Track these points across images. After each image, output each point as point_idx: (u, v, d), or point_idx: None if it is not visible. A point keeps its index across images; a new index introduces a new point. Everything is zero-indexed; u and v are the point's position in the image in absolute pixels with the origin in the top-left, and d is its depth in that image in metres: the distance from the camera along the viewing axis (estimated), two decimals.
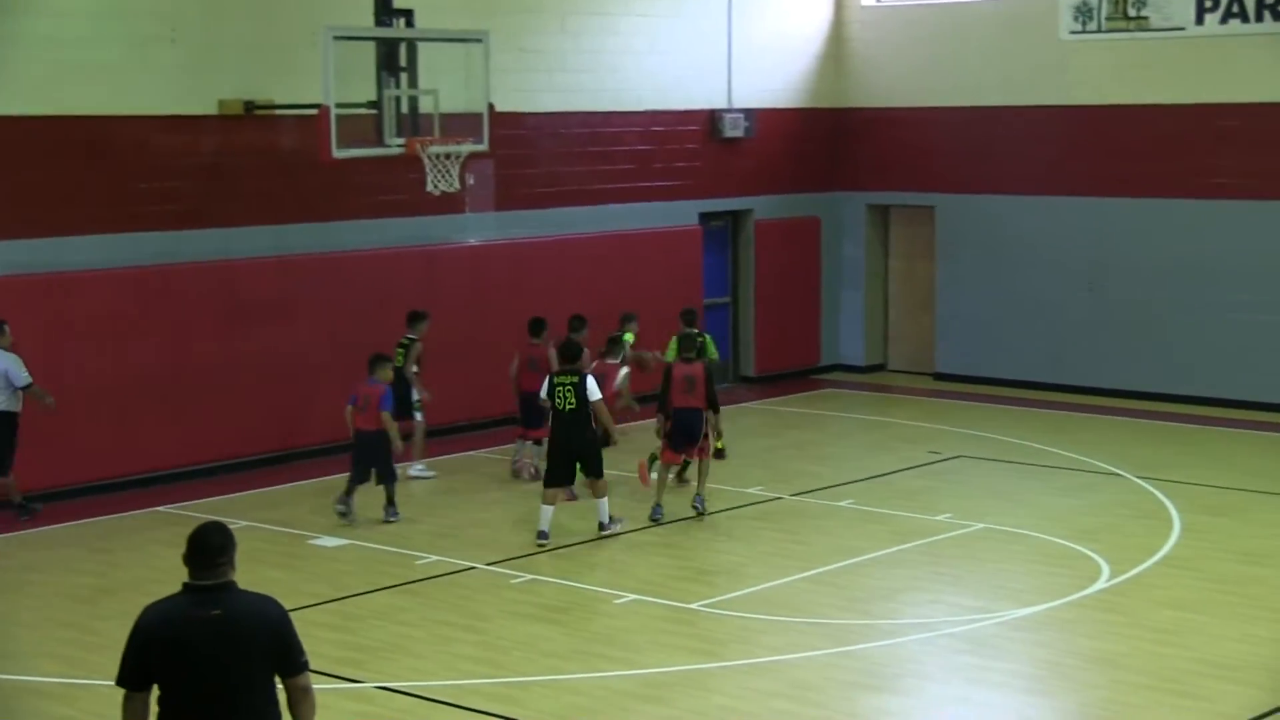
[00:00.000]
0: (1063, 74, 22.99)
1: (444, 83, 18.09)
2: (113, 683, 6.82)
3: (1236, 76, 21.65)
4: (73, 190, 17.29)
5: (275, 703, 6.83)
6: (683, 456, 16.69)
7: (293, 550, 15.21)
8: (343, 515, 15.95)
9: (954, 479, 18.05)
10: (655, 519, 16.03)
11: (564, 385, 15.36)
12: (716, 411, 16.45)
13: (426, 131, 17.91)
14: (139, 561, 14.75)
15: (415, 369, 17.84)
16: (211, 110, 18.15)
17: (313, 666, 7.03)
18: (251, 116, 18.33)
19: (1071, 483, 17.79)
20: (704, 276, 23.36)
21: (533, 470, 17.89)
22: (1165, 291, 22.34)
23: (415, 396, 17.79)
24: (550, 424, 15.65)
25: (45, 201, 17.13)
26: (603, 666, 11.80)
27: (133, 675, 6.75)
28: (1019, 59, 23.39)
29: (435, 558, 14.79)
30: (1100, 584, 13.85)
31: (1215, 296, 21.93)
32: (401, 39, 17.87)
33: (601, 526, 15.58)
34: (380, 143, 17.67)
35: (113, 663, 6.87)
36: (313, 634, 11.46)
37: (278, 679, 6.84)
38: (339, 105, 17.05)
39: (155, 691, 6.77)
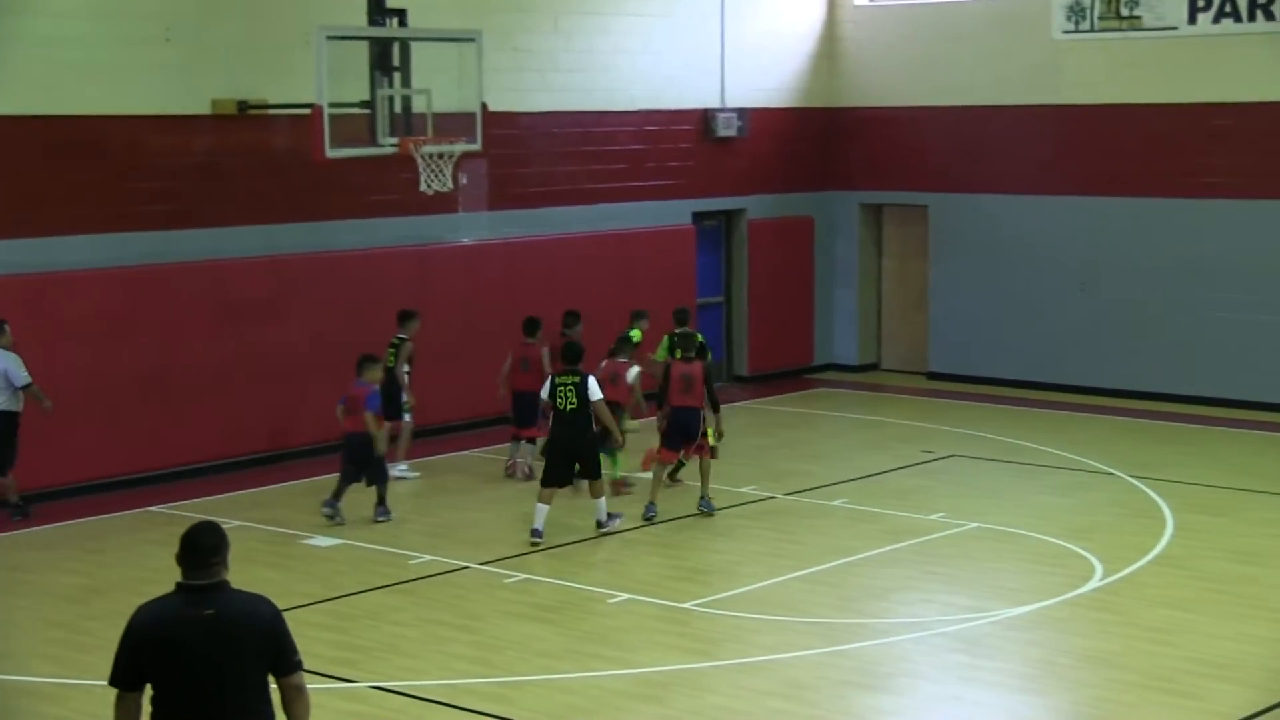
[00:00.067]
0: (1056, 73, 23.00)
1: (437, 82, 18.08)
2: (105, 683, 6.81)
3: (1229, 76, 21.67)
4: (65, 189, 17.26)
5: (269, 703, 6.82)
6: (678, 456, 16.69)
7: (286, 550, 15.19)
8: (329, 519, 15.91)
9: (947, 478, 18.06)
10: (648, 518, 16.02)
11: (565, 386, 15.38)
12: (717, 411, 16.46)
13: (420, 131, 17.89)
14: (131, 561, 14.73)
15: (407, 369, 17.83)
16: (205, 110, 18.14)
17: (306, 666, 7.02)
18: (245, 116, 18.32)
19: (1064, 482, 17.81)
20: (697, 276, 23.36)
21: (526, 470, 17.89)
22: (1158, 291, 22.36)
23: (405, 397, 17.77)
24: (551, 424, 15.64)
25: (37, 201, 17.10)
26: (596, 666, 11.80)
27: (125, 675, 6.74)
28: (1012, 58, 23.40)
29: (429, 557, 14.78)
30: (1093, 583, 13.86)
31: (1208, 296, 21.95)
32: (395, 39, 17.86)
33: (599, 525, 15.59)
34: (373, 142, 17.65)
35: (105, 663, 6.85)
36: (306, 634, 11.45)
37: (271, 679, 6.84)
38: (332, 105, 17.02)
39: (148, 692, 6.77)
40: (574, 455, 15.39)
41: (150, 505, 16.80)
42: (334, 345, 18.50)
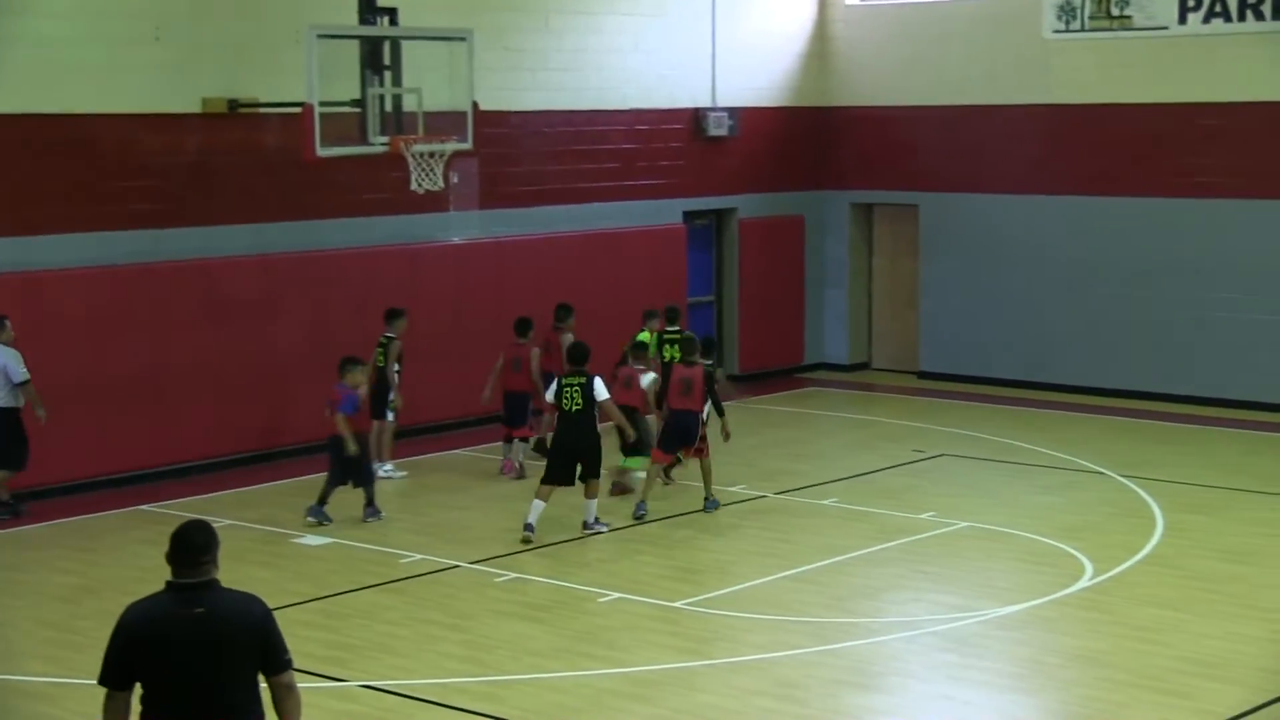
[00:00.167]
0: (1046, 73, 23.03)
1: (428, 81, 18.07)
2: (95, 682, 6.81)
3: (1219, 76, 21.70)
4: (55, 188, 17.25)
5: (259, 701, 6.82)
6: (672, 458, 16.70)
7: (276, 549, 15.18)
8: (315, 524, 15.85)
9: (937, 477, 18.08)
10: (638, 517, 16.03)
11: (571, 386, 15.41)
12: (721, 414, 16.48)
13: (410, 130, 17.89)
14: (121, 561, 14.71)
15: (396, 368, 17.81)
16: (195, 109, 18.12)
17: (297, 665, 7.02)
18: (235, 115, 18.30)
19: (1054, 481, 17.83)
20: (688, 275, 23.37)
21: (517, 466, 17.91)
22: (1148, 290, 22.39)
23: (391, 396, 17.76)
24: (556, 424, 15.66)
25: (27, 199, 17.09)
26: (587, 665, 11.80)
27: (115, 674, 6.73)
28: (1003, 58, 23.42)
29: (419, 556, 14.77)
30: (1083, 582, 13.88)
31: (1198, 295, 21.98)
32: (385, 37, 17.85)
33: (585, 525, 15.60)
34: (364, 141, 17.65)
35: (95, 662, 6.85)
36: (297, 633, 11.45)
37: (262, 677, 6.83)
38: (323, 104, 17.02)
39: (138, 690, 6.76)
40: (577, 455, 15.41)
41: (141, 504, 16.78)
42: (324, 344, 18.48)
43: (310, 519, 15.84)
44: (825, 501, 16.89)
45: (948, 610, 13.12)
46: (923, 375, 24.57)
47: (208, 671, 6.65)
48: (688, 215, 23.68)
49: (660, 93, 22.99)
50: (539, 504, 15.29)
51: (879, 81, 24.66)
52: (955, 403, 22.67)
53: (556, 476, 15.42)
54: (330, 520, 15.83)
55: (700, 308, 23.96)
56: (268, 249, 18.77)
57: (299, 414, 18.53)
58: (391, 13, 17.97)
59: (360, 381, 16.29)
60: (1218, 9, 21.27)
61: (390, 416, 17.87)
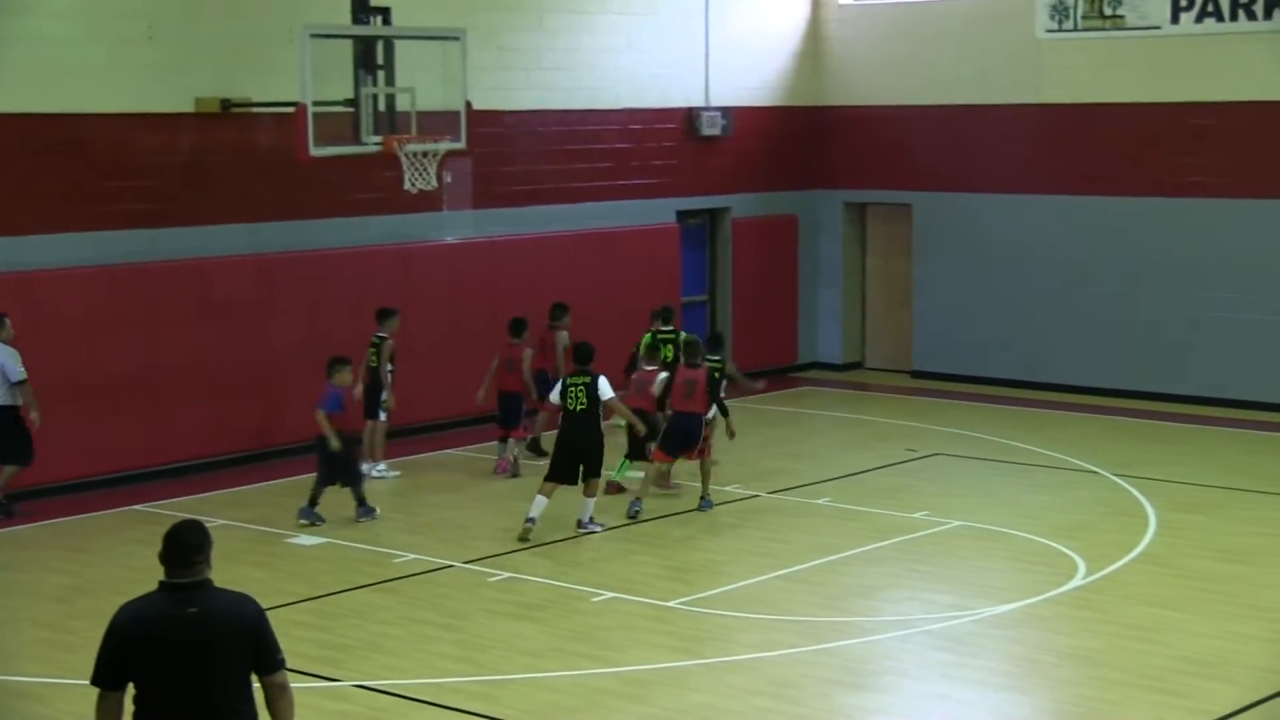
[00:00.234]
0: (1039, 73, 23.04)
1: (421, 81, 18.06)
2: (87, 682, 6.79)
3: (1212, 75, 21.72)
4: (48, 188, 17.22)
5: (251, 701, 6.82)
6: (674, 459, 16.70)
7: (269, 549, 15.17)
8: (308, 525, 15.82)
9: (931, 476, 18.08)
10: (632, 514, 16.02)
11: (576, 386, 15.46)
12: (726, 414, 16.54)
13: (404, 129, 17.87)
14: (114, 561, 14.69)
15: (390, 368, 17.80)
16: (188, 108, 18.09)
17: (290, 665, 7.02)
18: (228, 115, 18.28)
19: (1048, 480, 17.84)
20: (682, 274, 23.37)
21: (511, 461, 17.91)
22: (1141, 289, 22.41)
23: (384, 396, 17.75)
24: (560, 423, 15.68)
25: (20, 199, 17.06)
26: (581, 664, 11.80)
27: (107, 674, 6.72)
28: (995, 57, 23.44)
29: (413, 556, 14.76)
30: (1077, 581, 13.89)
31: (1191, 294, 22.00)
32: (379, 37, 17.84)
33: (579, 524, 15.59)
34: (357, 141, 17.63)
35: (88, 662, 6.83)
36: (290, 633, 11.45)
37: (254, 677, 6.83)
38: (316, 103, 17.00)
39: (131, 690, 6.75)
40: (580, 455, 15.42)
41: (134, 504, 16.76)
42: (318, 344, 18.42)
43: (302, 521, 15.82)
44: (819, 501, 16.89)
45: (942, 609, 13.13)
46: (916, 375, 24.58)
47: (200, 671, 6.65)
48: (681, 215, 23.68)
49: (653, 92, 22.98)
50: (541, 499, 15.33)
51: (872, 81, 24.67)
52: (949, 402, 22.68)
53: (560, 475, 15.46)
54: (323, 520, 15.82)
55: (694, 307, 23.97)
56: (262, 249, 18.75)
57: (293, 414, 18.50)
58: (385, 12, 17.95)
59: (348, 381, 16.27)
60: (1210, 9, 21.29)
61: (383, 416, 17.86)
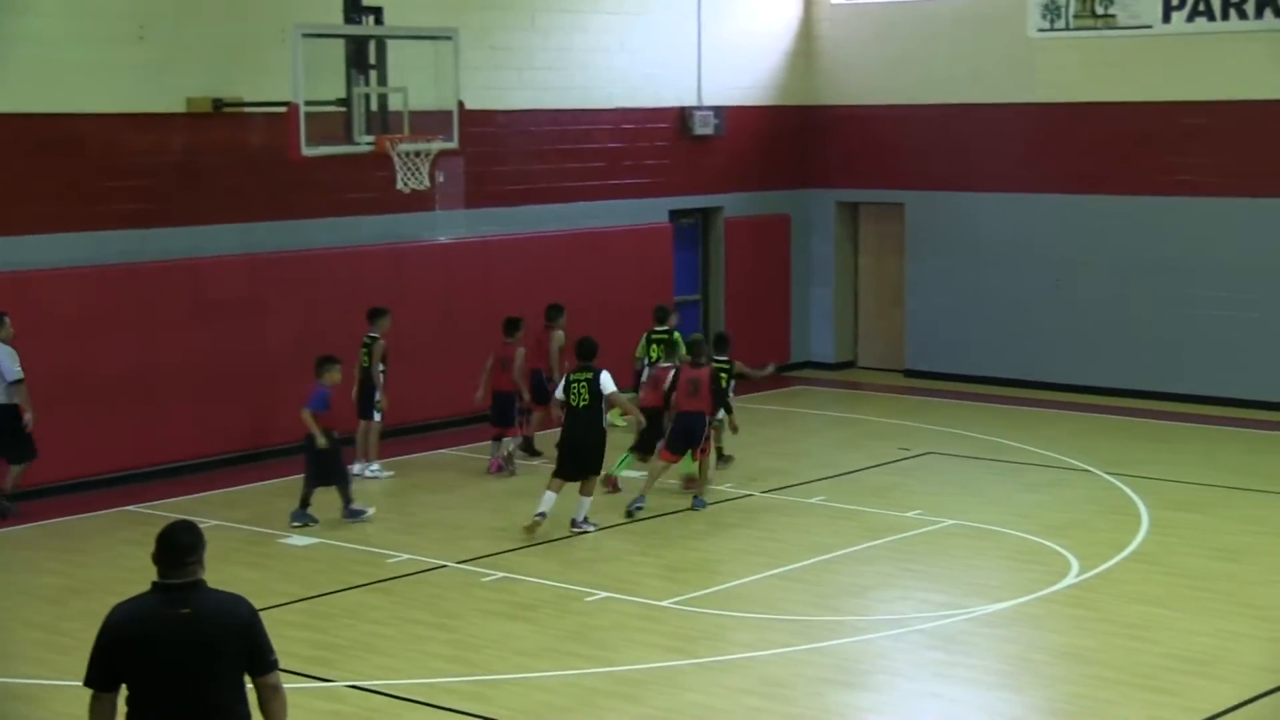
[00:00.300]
0: (1031, 72, 23.06)
1: (413, 80, 18.06)
2: (81, 683, 6.79)
3: (1203, 74, 21.75)
4: (41, 188, 17.20)
5: (245, 702, 6.81)
6: (679, 459, 16.71)
7: (262, 549, 15.16)
8: (301, 527, 15.80)
9: (924, 475, 18.09)
10: (632, 511, 16.01)
11: (579, 382, 15.50)
12: (730, 412, 16.61)
13: (396, 129, 17.87)
14: (107, 561, 14.67)
15: (382, 368, 17.79)
16: (180, 108, 18.08)
17: (283, 666, 7.02)
18: (220, 114, 18.26)
19: (1040, 479, 17.85)
20: (674, 274, 23.37)
21: (504, 457, 17.92)
22: (1134, 288, 22.44)
23: (377, 396, 17.74)
24: (564, 420, 15.71)
25: (12, 200, 17.03)
26: (574, 664, 11.80)
27: (101, 675, 6.72)
28: (988, 57, 23.45)
29: (406, 556, 14.76)
30: (1069, 579, 13.90)
31: (1183, 293, 22.03)
32: (371, 36, 17.84)
33: (574, 523, 15.59)
34: (349, 140, 17.63)
35: (82, 663, 6.83)
36: (283, 633, 11.44)
37: (248, 678, 6.82)
38: (308, 103, 17.00)
39: (124, 692, 6.75)
40: (582, 451, 15.44)
41: (127, 505, 16.74)
42: (311, 344, 18.40)
43: (295, 523, 15.79)
44: (812, 500, 16.90)
45: (935, 608, 13.14)
46: (909, 374, 24.60)
47: (194, 672, 6.64)
48: (674, 214, 23.68)
49: (646, 92, 22.98)
50: (550, 495, 15.41)
51: (864, 80, 24.68)
52: (941, 401, 22.69)
53: (566, 472, 15.50)
54: (316, 521, 15.80)
55: (686, 306, 23.94)
56: (254, 249, 18.73)
57: (286, 414, 18.41)
58: (377, 12, 17.95)
59: (337, 380, 16.24)
60: (1201, 8, 21.32)
61: (377, 416, 17.85)
